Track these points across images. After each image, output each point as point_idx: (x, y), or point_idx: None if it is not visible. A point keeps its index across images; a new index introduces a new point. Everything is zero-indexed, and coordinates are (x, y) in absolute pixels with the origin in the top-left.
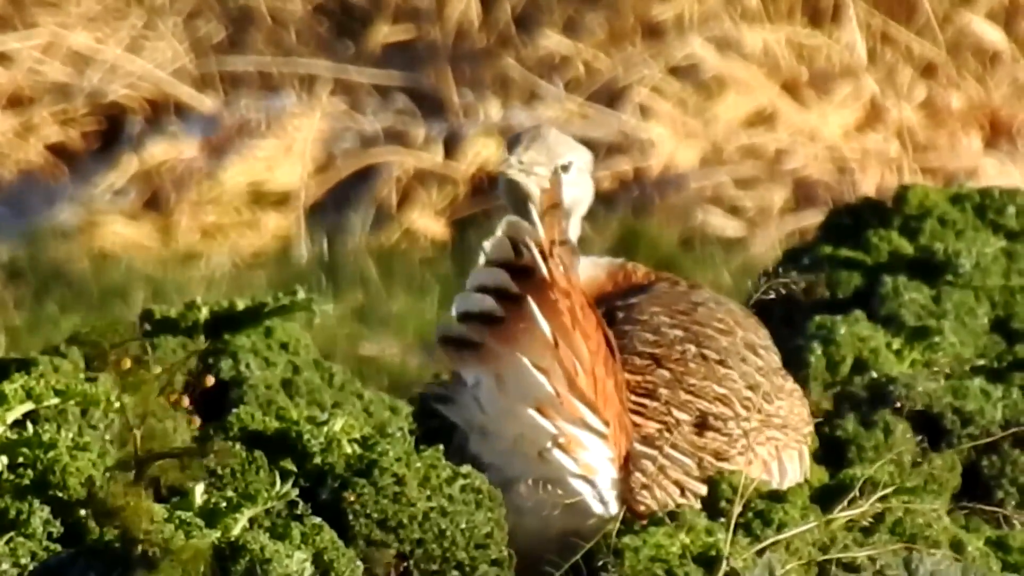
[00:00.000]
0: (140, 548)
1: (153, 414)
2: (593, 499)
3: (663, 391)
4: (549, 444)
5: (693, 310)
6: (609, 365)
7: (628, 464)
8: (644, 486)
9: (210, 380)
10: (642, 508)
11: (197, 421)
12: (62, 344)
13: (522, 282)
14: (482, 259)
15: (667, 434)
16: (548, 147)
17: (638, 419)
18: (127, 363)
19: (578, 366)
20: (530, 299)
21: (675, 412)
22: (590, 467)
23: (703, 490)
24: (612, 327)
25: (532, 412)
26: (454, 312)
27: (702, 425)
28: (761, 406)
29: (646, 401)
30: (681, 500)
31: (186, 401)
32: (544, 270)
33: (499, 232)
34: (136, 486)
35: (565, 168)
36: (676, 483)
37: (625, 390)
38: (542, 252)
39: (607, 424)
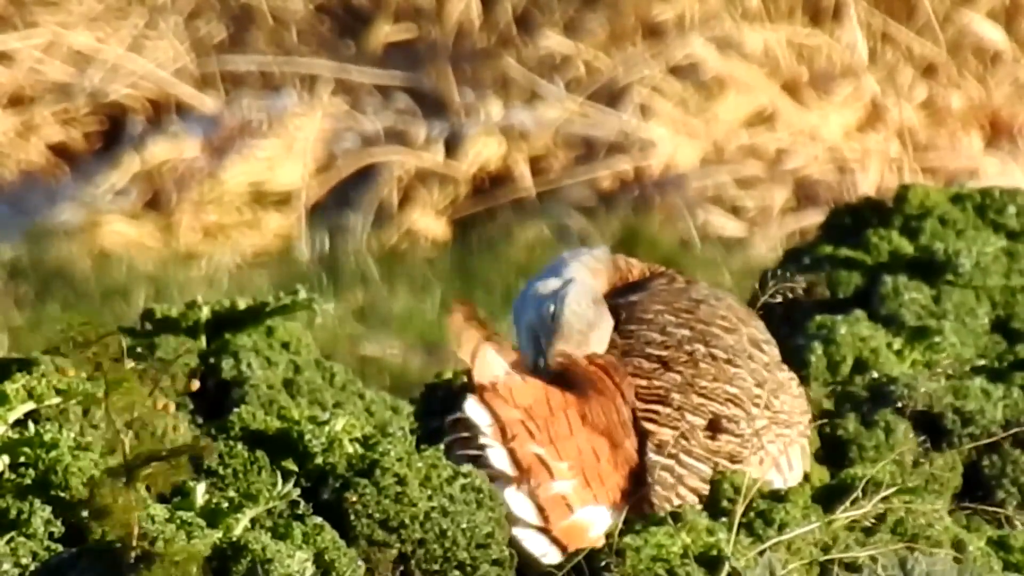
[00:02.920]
0: (133, 551)
1: (139, 418)
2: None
3: (675, 396)
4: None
5: (696, 307)
6: (608, 432)
7: (645, 476)
8: (664, 499)
9: (195, 384)
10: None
11: (180, 425)
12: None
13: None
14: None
15: (683, 441)
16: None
17: (651, 426)
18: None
19: (551, 482)
20: (489, 454)
21: (688, 416)
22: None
23: None
24: (616, 328)
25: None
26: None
27: (715, 428)
28: (770, 403)
29: (659, 407)
30: (699, 507)
31: (172, 407)
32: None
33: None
34: (127, 488)
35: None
36: (693, 491)
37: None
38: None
39: (609, 505)
